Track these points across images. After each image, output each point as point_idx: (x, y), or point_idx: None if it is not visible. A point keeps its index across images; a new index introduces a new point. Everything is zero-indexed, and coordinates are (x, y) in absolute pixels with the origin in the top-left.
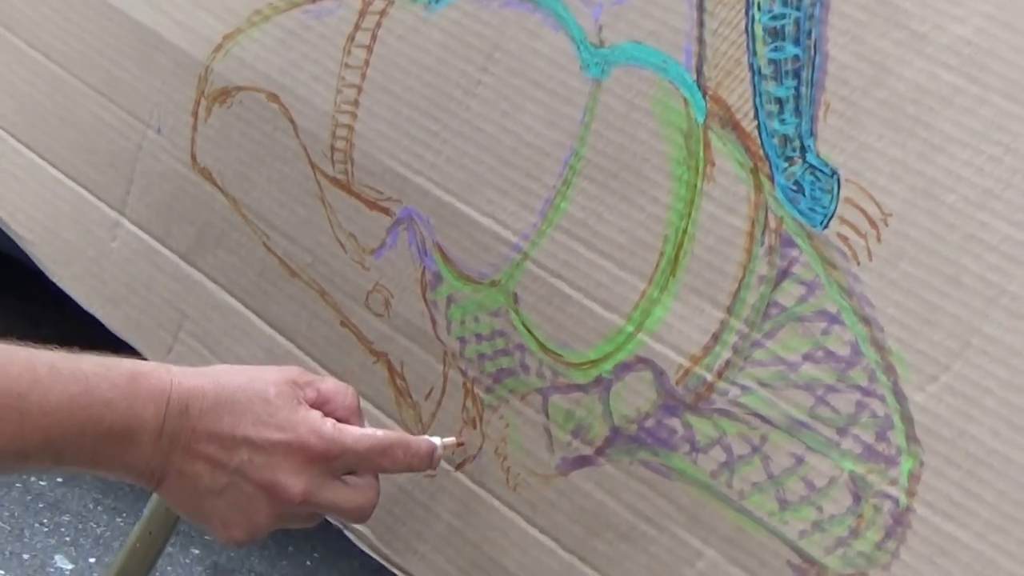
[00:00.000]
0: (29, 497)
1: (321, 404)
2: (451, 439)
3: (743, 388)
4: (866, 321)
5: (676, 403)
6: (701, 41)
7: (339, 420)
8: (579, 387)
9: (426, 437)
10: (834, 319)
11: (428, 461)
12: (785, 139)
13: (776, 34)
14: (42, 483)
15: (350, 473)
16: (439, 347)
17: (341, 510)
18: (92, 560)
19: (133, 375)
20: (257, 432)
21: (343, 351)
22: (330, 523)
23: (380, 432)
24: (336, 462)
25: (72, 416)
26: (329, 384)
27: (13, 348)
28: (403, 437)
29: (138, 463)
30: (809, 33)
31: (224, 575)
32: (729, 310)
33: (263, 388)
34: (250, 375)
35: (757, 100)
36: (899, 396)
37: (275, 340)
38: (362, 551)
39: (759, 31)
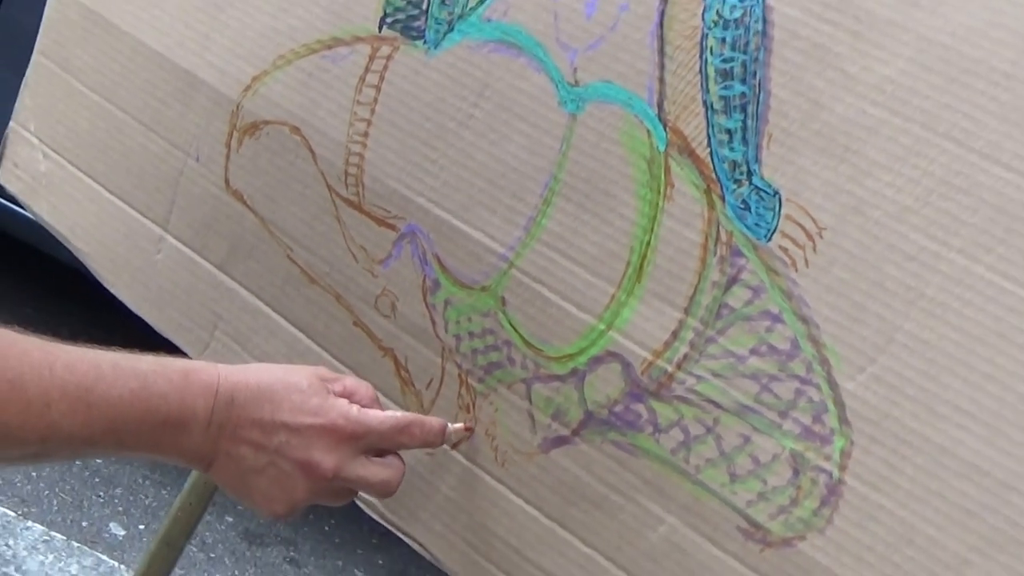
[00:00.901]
0: (87, 473)
1: (346, 396)
2: (459, 425)
3: (698, 378)
4: (804, 320)
5: (641, 391)
6: (662, 80)
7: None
8: (558, 377)
9: (436, 419)
10: (776, 318)
11: (441, 437)
12: (734, 164)
13: (726, 75)
14: (98, 461)
15: (377, 455)
16: (438, 344)
17: (369, 484)
18: (142, 527)
19: (185, 372)
20: (293, 417)
21: (356, 347)
22: None
23: (399, 413)
24: (362, 441)
25: (132, 408)
26: (351, 379)
27: (81, 349)
28: (418, 417)
29: (191, 448)
30: (754, 74)
31: (254, 539)
32: (686, 311)
33: (297, 381)
34: (285, 371)
35: (710, 131)
36: (832, 384)
37: (297, 338)
38: (371, 518)
39: (711, 72)
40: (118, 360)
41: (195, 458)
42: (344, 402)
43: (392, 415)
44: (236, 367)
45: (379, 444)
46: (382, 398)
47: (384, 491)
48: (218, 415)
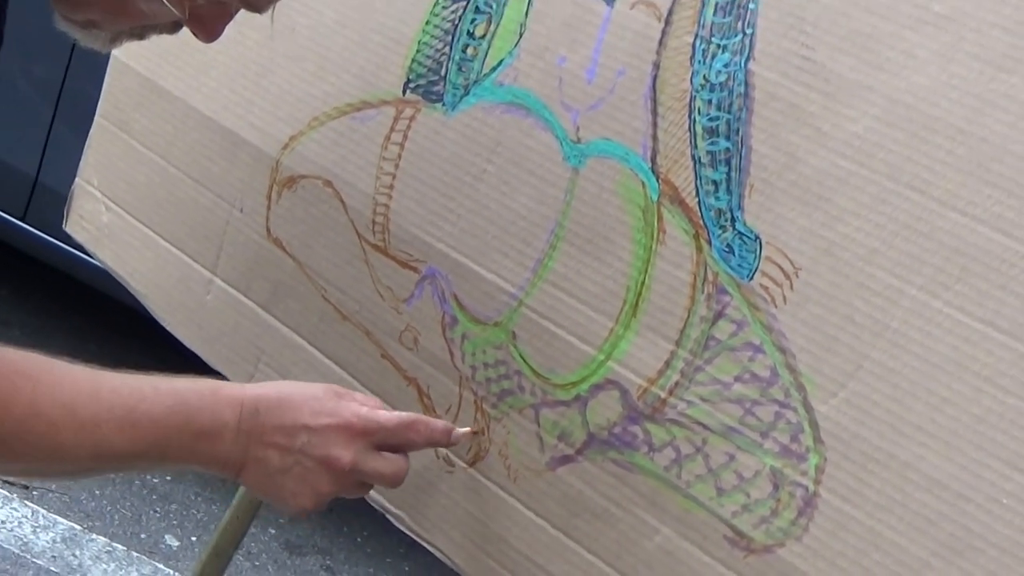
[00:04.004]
0: (145, 491)
1: (356, 402)
2: (467, 429)
3: (688, 403)
4: (782, 350)
5: (637, 415)
6: (655, 137)
7: None
8: (563, 403)
9: (442, 420)
10: (758, 349)
11: (446, 437)
12: (719, 212)
13: (712, 132)
14: (155, 480)
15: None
16: (456, 374)
17: (382, 475)
18: (194, 539)
19: (215, 388)
20: (313, 419)
21: (383, 377)
22: (376, 510)
23: (403, 413)
24: (375, 436)
25: (171, 422)
26: (358, 394)
27: (123, 375)
28: (422, 416)
29: (223, 455)
30: (737, 131)
31: (294, 549)
32: (677, 343)
33: (313, 390)
34: (300, 383)
35: (698, 182)
36: (808, 408)
37: (332, 369)
38: (400, 530)
39: (699, 130)
40: (155, 382)
41: (227, 464)
42: (356, 403)
43: (399, 414)
44: (257, 384)
45: (389, 440)
46: None
47: (394, 482)
48: (245, 424)
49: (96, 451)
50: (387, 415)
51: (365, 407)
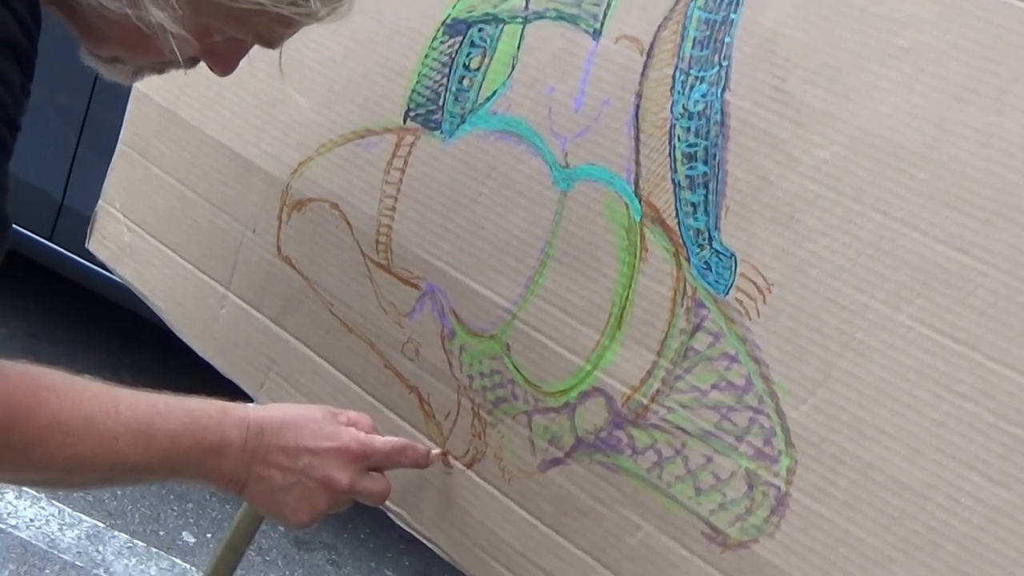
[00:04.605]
0: (163, 491)
1: (351, 425)
2: (438, 450)
3: (669, 409)
4: (756, 360)
5: (622, 420)
6: (638, 163)
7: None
8: (553, 409)
9: (423, 445)
10: (733, 359)
11: (426, 459)
12: (698, 232)
13: (691, 157)
14: None
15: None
16: (454, 382)
17: (372, 494)
18: (209, 536)
19: (223, 409)
20: (313, 442)
21: (387, 386)
22: (378, 509)
23: (395, 439)
24: (369, 460)
25: (183, 439)
26: (352, 413)
27: (138, 392)
28: (409, 442)
29: (228, 471)
30: (714, 156)
31: (302, 545)
32: (659, 353)
33: (313, 413)
34: (301, 406)
35: (678, 204)
36: (780, 413)
37: (338, 378)
38: (400, 527)
39: (679, 155)
40: (168, 401)
41: (232, 480)
42: (352, 429)
43: (390, 440)
44: (262, 406)
45: (381, 463)
46: (408, 427)
47: (381, 500)
48: (250, 443)
49: (112, 463)
50: (381, 441)
51: (362, 432)
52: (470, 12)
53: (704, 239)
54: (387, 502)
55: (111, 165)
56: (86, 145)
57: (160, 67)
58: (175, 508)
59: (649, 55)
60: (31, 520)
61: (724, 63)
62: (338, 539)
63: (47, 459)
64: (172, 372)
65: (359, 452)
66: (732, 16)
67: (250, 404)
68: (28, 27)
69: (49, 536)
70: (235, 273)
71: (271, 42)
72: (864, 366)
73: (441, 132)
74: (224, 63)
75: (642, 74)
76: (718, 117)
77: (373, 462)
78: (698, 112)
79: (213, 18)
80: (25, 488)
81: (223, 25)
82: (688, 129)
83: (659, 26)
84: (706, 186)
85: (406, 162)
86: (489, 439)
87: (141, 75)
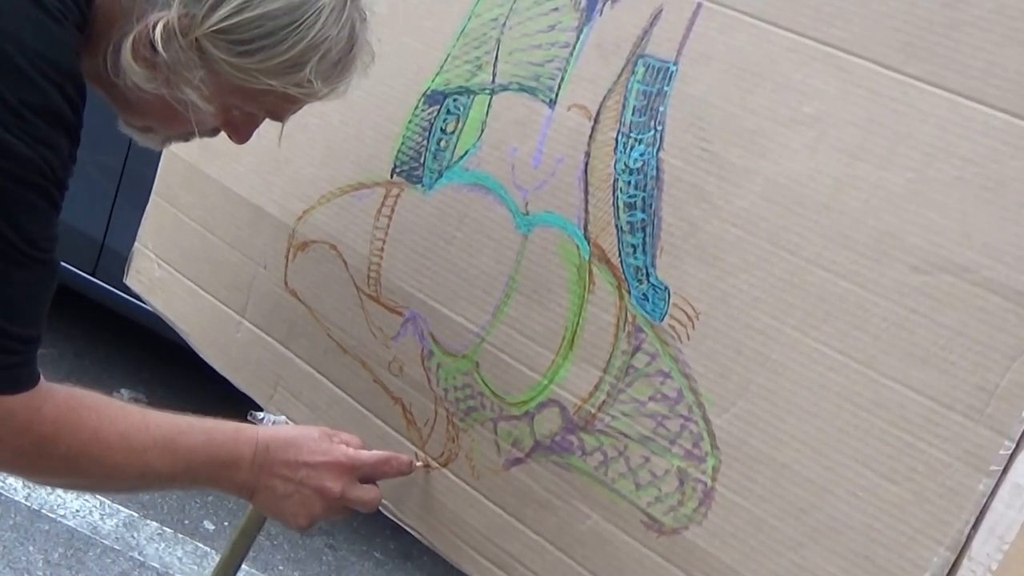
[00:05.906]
0: None
1: (343, 443)
2: (420, 463)
3: (613, 417)
4: (686, 376)
5: (573, 426)
6: (587, 211)
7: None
8: (515, 417)
9: (406, 456)
10: (667, 375)
11: (409, 467)
12: (637, 269)
13: (631, 207)
14: None
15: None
16: (432, 394)
17: (363, 501)
18: (226, 523)
19: (237, 429)
20: (310, 457)
21: (375, 397)
22: None
23: (380, 452)
24: (358, 472)
25: (202, 453)
26: (344, 434)
27: (166, 413)
28: (392, 454)
29: (240, 482)
30: (651, 205)
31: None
32: (605, 370)
33: (310, 433)
34: (301, 427)
35: (620, 246)
36: (707, 421)
37: (335, 392)
38: (387, 517)
39: (621, 204)
40: (191, 420)
41: (243, 489)
42: (343, 446)
43: (376, 453)
44: (270, 428)
45: (368, 474)
46: (393, 432)
47: (371, 507)
48: (259, 458)
49: (142, 472)
50: (368, 454)
51: (351, 448)
52: (446, 85)
53: (643, 275)
54: None
55: (145, 213)
56: (123, 196)
57: (186, 136)
58: (198, 500)
59: (596, 120)
60: (77, 511)
61: (659, 127)
62: (334, 525)
63: (88, 467)
64: (195, 386)
65: (348, 464)
66: (666, 88)
67: (259, 426)
68: (75, 103)
69: (92, 524)
70: (249, 303)
71: (279, 116)
72: (778, 381)
73: (422, 185)
74: (241, 133)
75: (590, 136)
76: (654, 173)
77: (362, 473)
78: (637, 168)
79: (232, 97)
80: None
81: (240, 102)
82: (629, 183)
83: (604, 96)
84: (644, 230)
85: (393, 210)
86: (461, 442)
87: (170, 142)
